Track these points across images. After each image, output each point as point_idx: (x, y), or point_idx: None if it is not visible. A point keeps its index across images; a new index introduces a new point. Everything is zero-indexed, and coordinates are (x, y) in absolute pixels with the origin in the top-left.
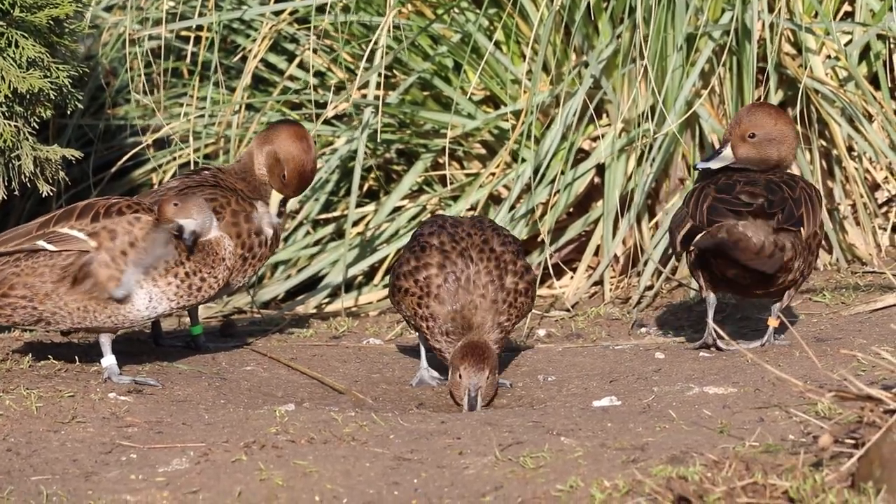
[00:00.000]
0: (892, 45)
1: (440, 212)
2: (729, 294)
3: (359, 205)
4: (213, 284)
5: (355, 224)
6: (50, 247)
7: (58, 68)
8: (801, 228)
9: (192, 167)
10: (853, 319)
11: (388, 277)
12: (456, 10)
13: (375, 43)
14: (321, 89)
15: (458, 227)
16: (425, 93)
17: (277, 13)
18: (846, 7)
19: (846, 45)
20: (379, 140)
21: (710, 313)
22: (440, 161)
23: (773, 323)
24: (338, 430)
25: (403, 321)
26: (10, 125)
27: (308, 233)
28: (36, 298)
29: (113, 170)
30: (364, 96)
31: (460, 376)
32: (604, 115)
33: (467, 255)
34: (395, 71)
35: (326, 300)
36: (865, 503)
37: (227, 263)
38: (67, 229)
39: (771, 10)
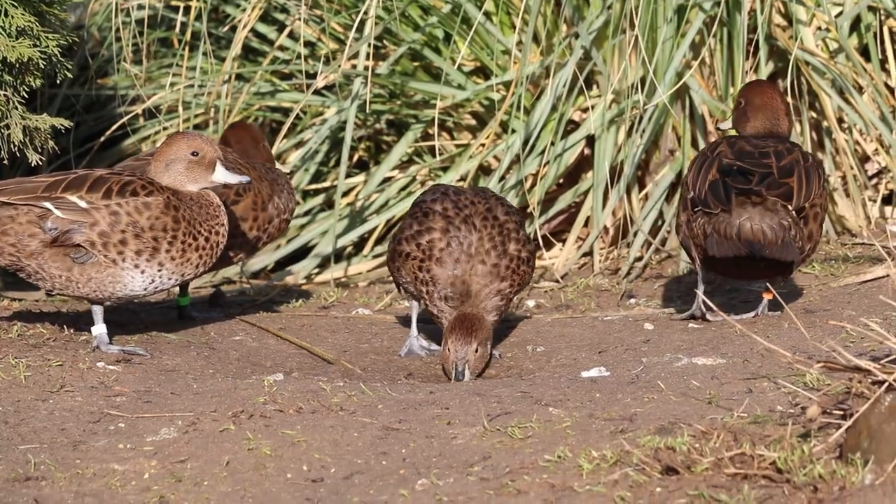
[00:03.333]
0: (882, 17)
1: (430, 182)
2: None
3: (348, 175)
4: (223, 233)
5: (345, 195)
6: (57, 212)
7: (47, 37)
8: (790, 203)
9: None
10: (842, 291)
11: (377, 248)
12: None
13: (365, 13)
14: (311, 59)
15: (461, 196)
16: (415, 63)
17: None
18: None
19: (837, 16)
20: (368, 111)
21: (701, 287)
22: (430, 132)
23: (767, 295)
24: (326, 400)
25: (394, 291)
26: None
27: (298, 202)
28: (23, 252)
29: (101, 139)
30: (354, 67)
31: (448, 349)
32: (594, 86)
33: (471, 221)
34: (385, 41)
35: (316, 270)
36: (853, 474)
37: (223, 209)
38: (76, 198)
39: None
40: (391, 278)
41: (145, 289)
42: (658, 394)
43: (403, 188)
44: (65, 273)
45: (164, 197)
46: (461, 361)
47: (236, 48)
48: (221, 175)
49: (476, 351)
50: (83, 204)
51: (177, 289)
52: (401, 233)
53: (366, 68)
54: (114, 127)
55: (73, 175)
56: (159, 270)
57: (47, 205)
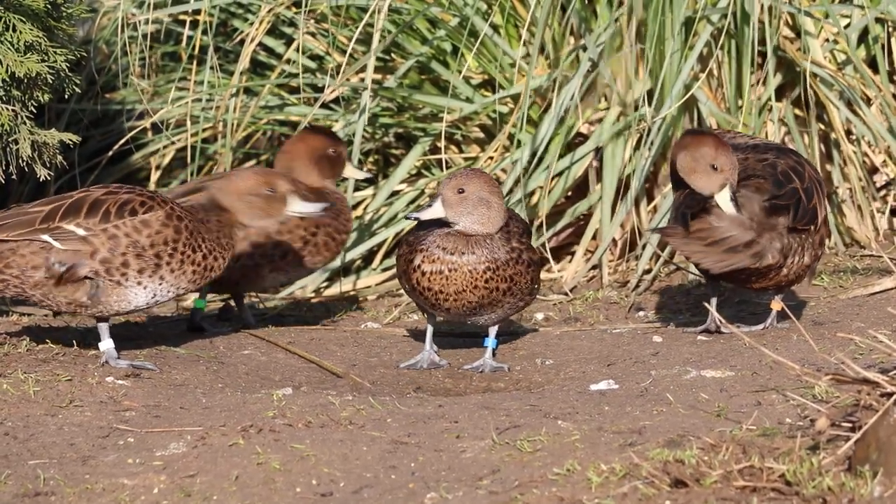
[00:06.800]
0: (890, 29)
1: None
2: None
3: (357, 189)
4: (222, 262)
5: (354, 208)
6: (57, 244)
7: (55, 52)
8: (813, 224)
9: (189, 152)
10: (851, 303)
11: (386, 261)
12: None
13: (370, 25)
14: (319, 73)
15: None
16: (423, 76)
17: None
18: None
19: (845, 28)
20: (376, 124)
21: (714, 301)
22: (439, 145)
23: (776, 306)
24: (335, 414)
25: (403, 304)
26: (7, 109)
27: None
28: (27, 283)
29: (109, 154)
30: (363, 80)
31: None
32: (602, 99)
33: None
34: (392, 55)
35: (325, 284)
36: (862, 486)
37: (233, 245)
38: (73, 226)
39: None
40: (400, 292)
41: (147, 303)
42: (667, 406)
43: (412, 201)
44: (72, 300)
45: (166, 209)
46: (442, 188)
47: (244, 62)
48: (298, 206)
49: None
50: (81, 231)
51: (193, 296)
52: (399, 243)
53: (373, 82)
54: (121, 142)
55: (69, 200)
56: (160, 284)
57: (46, 237)
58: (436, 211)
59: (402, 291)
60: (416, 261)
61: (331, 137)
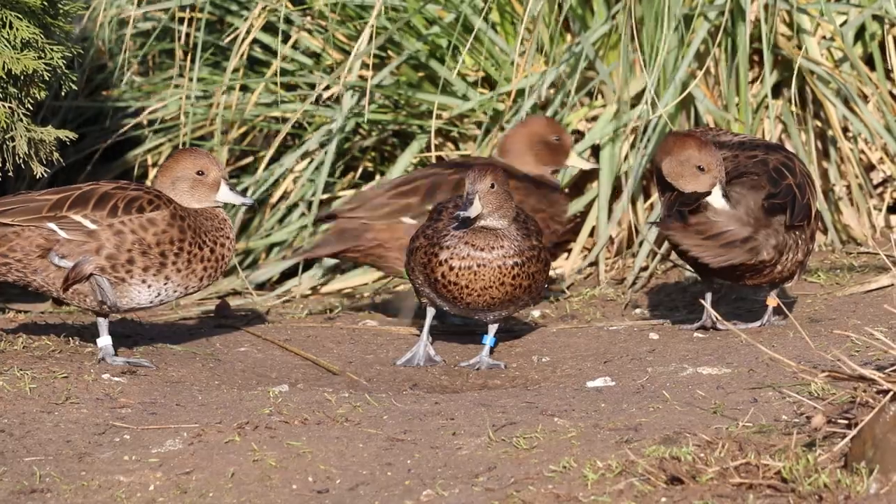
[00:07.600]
0: (887, 26)
1: None
2: (720, 280)
3: (354, 186)
4: (230, 247)
5: None
6: (62, 233)
7: (52, 49)
8: (807, 221)
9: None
10: (847, 300)
11: None
12: None
13: (365, 22)
14: (317, 71)
15: None
16: (420, 74)
17: None
18: None
19: (841, 25)
20: (369, 121)
21: (709, 298)
22: (436, 142)
23: (771, 302)
24: (331, 411)
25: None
26: (4, 106)
27: (303, 214)
28: (29, 268)
29: (98, 152)
30: (361, 78)
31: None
32: (599, 97)
33: None
34: (390, 52)
35: (321, 281)
36: (858, 483)
37: (229, 223)
38: (80, 217)
39: None
40: (396, 289)
41: (151, 302)
42: (663, 403)
43: None
44: (73, 288)
45: (170, 209)
46: (472, 192)
47: (236, 59)
48: (225, 195)
49: (492, 187)
50: (88, 223)
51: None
52: (415, 235)
53: (362, 77)
54: (108, 141)
55: (78, 191)
56: (165, 284)
57: (52, 226)
58: (476, 208)
59: (398, 289)
60: (441, 255)
61: (554, 125)
